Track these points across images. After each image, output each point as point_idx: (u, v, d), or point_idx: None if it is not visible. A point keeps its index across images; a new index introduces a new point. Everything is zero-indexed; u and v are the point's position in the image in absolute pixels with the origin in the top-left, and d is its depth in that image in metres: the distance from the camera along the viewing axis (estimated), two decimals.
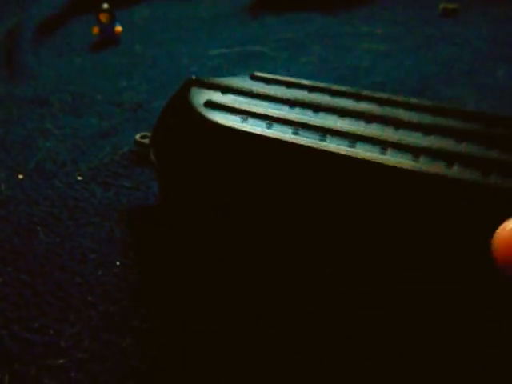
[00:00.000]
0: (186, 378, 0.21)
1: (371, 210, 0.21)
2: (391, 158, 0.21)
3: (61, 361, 0.21)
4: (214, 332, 0.22)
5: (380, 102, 0.25)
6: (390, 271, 0.22)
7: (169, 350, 0.21)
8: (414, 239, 0.21)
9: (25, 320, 0.23)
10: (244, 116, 0.24)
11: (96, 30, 0.57)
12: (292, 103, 0.25)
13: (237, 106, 0.25)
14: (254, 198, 0.24)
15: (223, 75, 0.48)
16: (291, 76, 0.48)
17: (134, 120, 0.41)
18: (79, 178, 0.33)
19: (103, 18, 0.57)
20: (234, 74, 0.48)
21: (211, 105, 0.25)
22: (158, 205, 0.31)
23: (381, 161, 0.21)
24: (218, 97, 0.26)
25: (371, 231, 0.22)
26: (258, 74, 0.28)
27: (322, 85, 0.27)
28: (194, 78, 0.28)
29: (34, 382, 0.20)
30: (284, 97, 0.26)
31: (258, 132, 0.23)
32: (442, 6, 0.65)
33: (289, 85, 0.27)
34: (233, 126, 0.23)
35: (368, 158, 0.21)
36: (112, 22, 0.58)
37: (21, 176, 0.33)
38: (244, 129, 0.23)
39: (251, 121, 0.24)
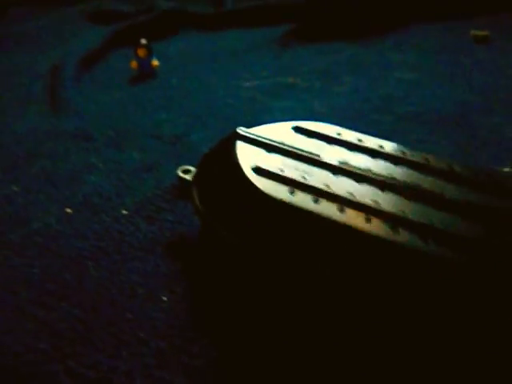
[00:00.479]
0: None
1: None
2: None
3: None
4: (266, 366, 0.23)
5: (420, 168, 0.26)
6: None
7: None
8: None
9: (79, 355, 0.24)
10: (291, 187, 0.25)
11: (134, 64, 0.60)
12: (336, 170, 0.26)
13: (285, 175, 0.25)
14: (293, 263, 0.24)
15: (259, 108, 0.50)
16: (325, 109, 0.49)
17: (174, 153, 0.42)
18: (124, 212, 0.34)
19: (141, 52, 0.60)
20: (269, 107, 0.50)
21: (259, 171, 0.26)
22: (200, 240, 0.31)
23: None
24: (264, 159, 0.27)
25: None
26: (300, 124, 0.29)
27: (361, 142, 0.28)
28: (239, 131, 0.28)
29: None
30: (327, 160, 0.26)
31: (306, 207, 0.24)
32: (472, 32, 0.65)
33: (330, 141, 0.28)
34: (281, 198, 0.24)
35: (444, 257, 0.21)
36: (149, 57, 0.60)
37: (69, 210, 0.35)
38: (292, 202, 0.24)
39: (299, 193, 0.24)
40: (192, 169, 0.34)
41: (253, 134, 0.28)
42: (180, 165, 0.39)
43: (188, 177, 0.33)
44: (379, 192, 0.24)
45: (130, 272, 0.29)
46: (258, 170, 0.26)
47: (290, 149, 0.27)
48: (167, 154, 0.42)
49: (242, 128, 0.29)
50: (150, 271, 0.29)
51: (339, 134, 0.28)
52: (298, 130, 0.29)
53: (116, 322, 0.25)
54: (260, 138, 0.28)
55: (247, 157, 0.27)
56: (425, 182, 0.25)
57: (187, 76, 0.59)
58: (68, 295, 0.27)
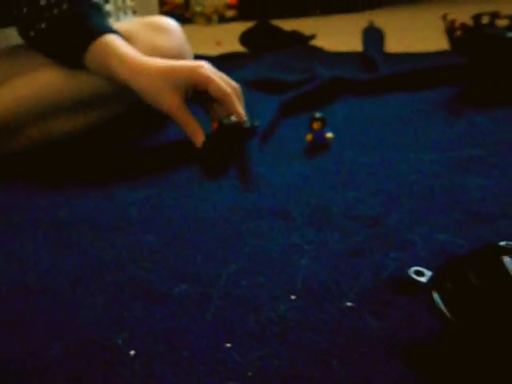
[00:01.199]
0: None
1: None
2: None
3: None
4: None
5: None
6: None
7: None
8: None
9: None
10: None
11: (309, 137, 0.63)
12: None
13: None
14: None
15: (450, 186, 0.49)
16: None
17: (376, 237, 0.42)
18: (348, 303, 0.35)
19: (316, 125, 0.63)
20: (462, 186, 0.48)
21: None
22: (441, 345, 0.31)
23: None
24: None
25: None
26: None
27: None
28: (503, 245, 0.28)
29: None
30: None
31: None
32: None
33: None
34: None
35: None
36: (324, 129, 0.63)
37: (293, 297, 0.37)
38: None
39: None
40: (425, 271, 0.34)
41: None
42: (387, 252, 0.39)
43: (423, 279, 0.32)
44: None
45: (373, 375, 0.29)
46: None
47: None
48: (370, 238, 0.42)
49: (507, 242, 0.28)
50: (395, 377, 0.29)
51: None
52: None
53: None
54: None
55: None
56: None
57: (361, 148, 0.61)
58: None
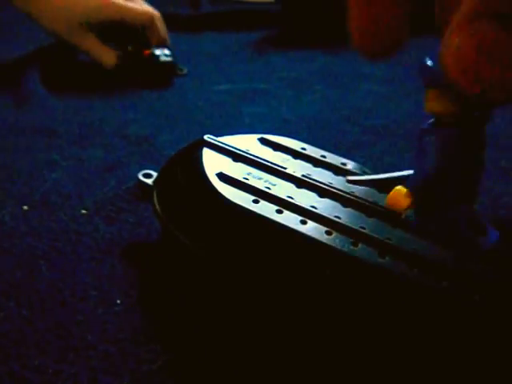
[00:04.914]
0: None
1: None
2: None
3: None
4: (215, 373, 0.22)
5: (380, 187, 0.26)
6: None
7: None
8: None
9: (24, 358, 0.23)
10: (256, 196, 0.25)
11: None
12: (300, 182, 0.26)
13: (249, 183, 0.26)
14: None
15: (229, 112, 0.50)
16: (294, 117, 0.49)
17: (138, 154, 0.42)
18: (83, 211, 0.34)
19: None
20: (239, 112, 0.50)
21: (224, 178, 0.26)
22: (160, 244, 0.31)
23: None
24: (230, 167, 0.27)
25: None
26: (267, 137, 0.29)
27: (326, 159, 0.28)
28: (206, 138, 0.28)
29: None
30: (292, 173, 0.27)
31: (269, 216, 0.24)
32: None
33: (296, 155, 0.28)
34: (244, 205, 0.24)
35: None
36: None
37: (25, 207, 0.34)
38: (255, 211, 0.24)
39: (262, 202, 0.25)
40: (154, 173, 0.33)
41: (220, 142, 0.28)
42: (143, 166, 0.39)
43: (149, 181, 0.32)
44: (340, 207, 0.25)
45: (85, 274, 0.28)
46: (222, 177, 0.26)
47: (256, 159, 0.27)
48: (131, 155, 0.41)
49: (209, 135, 0.29)
50: (105, 274, 0.29)
51: (304, 149, 0.29)
52: (264, 142, 0.29)
53: (65, 324, 0.25)
54: (226, 146, 0.28)
55: (212, 164, 0.27)
56: (383, 200, 0.25)
57: None
58: (17, 295, 0.27)
